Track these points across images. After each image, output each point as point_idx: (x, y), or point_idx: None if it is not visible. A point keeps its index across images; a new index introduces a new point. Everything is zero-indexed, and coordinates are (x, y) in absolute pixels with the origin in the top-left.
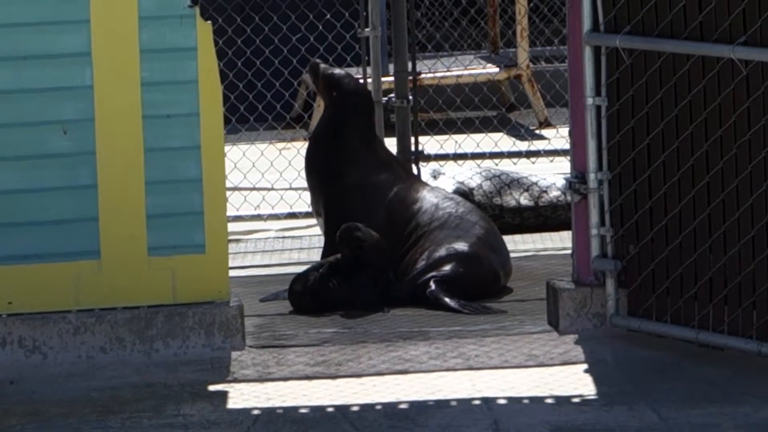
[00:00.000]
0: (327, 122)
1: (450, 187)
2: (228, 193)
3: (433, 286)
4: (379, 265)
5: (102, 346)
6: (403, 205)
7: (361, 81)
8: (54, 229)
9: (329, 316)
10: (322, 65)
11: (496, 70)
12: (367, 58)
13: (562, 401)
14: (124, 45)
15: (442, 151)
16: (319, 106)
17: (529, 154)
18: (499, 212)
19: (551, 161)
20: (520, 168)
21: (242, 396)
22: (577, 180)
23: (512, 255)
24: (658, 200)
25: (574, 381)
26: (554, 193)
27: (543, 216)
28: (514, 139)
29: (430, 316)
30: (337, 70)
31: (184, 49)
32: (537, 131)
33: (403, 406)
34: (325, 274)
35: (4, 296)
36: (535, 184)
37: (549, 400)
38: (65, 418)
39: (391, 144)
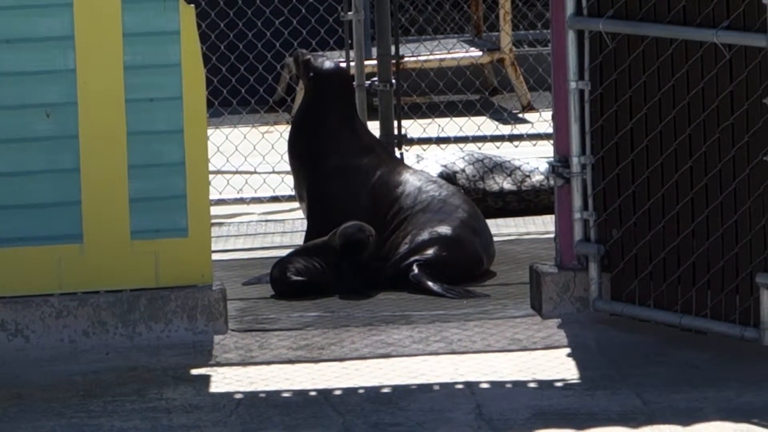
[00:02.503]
0: (307, 106)
1: (434, 171)
2: (211, 176)
3: (415, 269)
4: (363, 253)
5: (84, 329)
6: (386, 189)
7: (342, 64)
8: (36, 212)
9: (312, 300)
10: (302, 50)
11: (479, 53)
12: (350, 41)
13: (545, 385)
14: (106, 28)
15: (425, 135)
16: (302, 90)
17: (512, 138)
18: (482, 196)
19: (534, 145)
20: (503, 152)
21: (225, 380)
22: (560, 164)
23: (495, 239)
24: (641, 184)
25: (557, 365)
26: (537, 178)
27: (526, 200)
28: (497, 122)
29: (412, 300)
30: (316, 54)
31: (167, 32)
32: (520, 115)
33: (385, 390)
34: (308, 259)
35: None
36: (519, 168)
37: (532, 385)
38: (48, 401)
39: (374, 128)
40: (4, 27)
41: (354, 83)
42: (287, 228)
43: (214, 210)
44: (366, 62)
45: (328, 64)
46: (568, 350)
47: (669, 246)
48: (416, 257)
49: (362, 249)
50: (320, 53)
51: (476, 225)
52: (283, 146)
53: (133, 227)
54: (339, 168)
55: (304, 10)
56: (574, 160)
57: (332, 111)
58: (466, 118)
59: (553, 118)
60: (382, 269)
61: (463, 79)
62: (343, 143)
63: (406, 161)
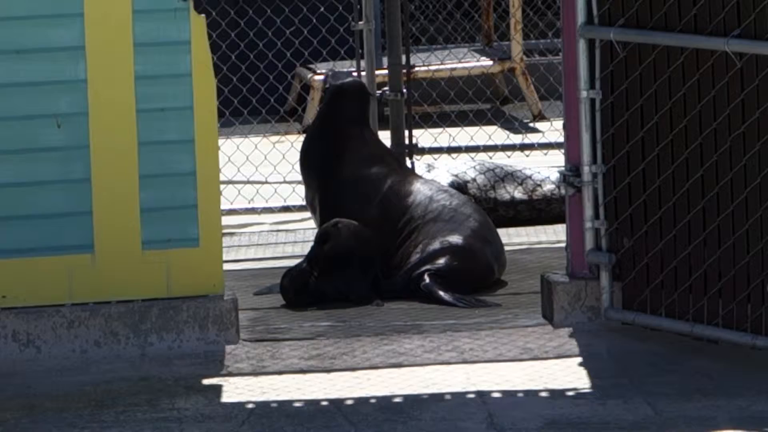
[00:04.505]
0: (320, 116)
1: (445, 180)
2: (222, 186)
3: (427, 279)
4: (367, 256)
5: (96, 339)
6: (397, 198)
7: (355, 74)
8: (48, 222)
9: (323, 309)
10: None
11: (490, 63)
12: (360, 51)
13: (557, 395)
14: (117, 38)
15: (436, 144)
16: (313, 99)
17: (523, 147)
18: (494, 205)
19: (545, 154)
20: (514, 161)
21: (236, 390)
22: (571, 173)
23: (506, 248)
24: (653, 193)
25: (569, 374)
26: (548, 187)
27: (537, 209)
28: (508, 132)
29: (424, 310)
30: (337, 71)
31: (177, 42)
32: (531, 124)
33: (397, 399)
34: (316, 268)
35: None
36: (529, 177)
37: (543, 394)
38: (59, 412)
39: (385, 137)
40: (15, 37)
41: (369, 95)
42: (298, 238)
43: (225, 220)
44: (377, 72)
45: (343, 76)
46: (579, 359)
47: (680, 255)
48: (427, 267)
49: (324, 240)
50: (340, 70)
51: (487, 234)
52: (293, 156)
53: (144, 237)
54: (349, 178)
55: (315, 20)
56: (585, 169)
57: (343, 120)
58: (477, 128)
59: (564, 127)
60: (394, 278)
61: (473, 88)
62: (353, 153)
63: (417, 171)
